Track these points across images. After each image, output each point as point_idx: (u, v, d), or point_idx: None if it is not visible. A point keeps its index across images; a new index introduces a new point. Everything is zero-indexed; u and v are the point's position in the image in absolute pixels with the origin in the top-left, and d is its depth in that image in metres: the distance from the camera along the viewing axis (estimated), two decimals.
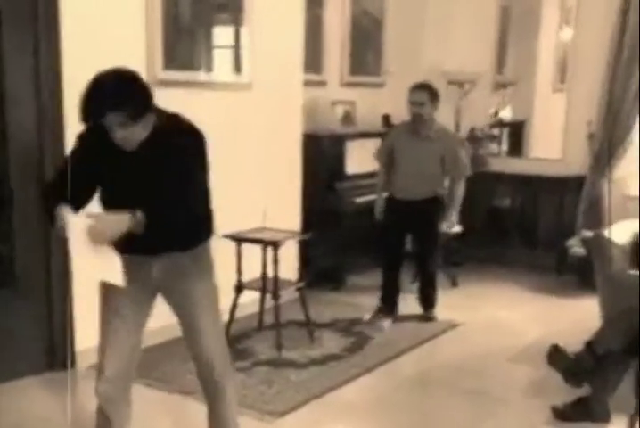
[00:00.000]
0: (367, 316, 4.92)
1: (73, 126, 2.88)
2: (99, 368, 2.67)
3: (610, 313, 3.89)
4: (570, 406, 3.50)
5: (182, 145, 2.47)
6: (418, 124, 4.69)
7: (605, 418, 3.42)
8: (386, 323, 4.81)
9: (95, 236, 2.33)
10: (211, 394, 2.83)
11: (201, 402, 3.04)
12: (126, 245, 2.41)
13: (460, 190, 4.86)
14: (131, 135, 2.42)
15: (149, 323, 2.79)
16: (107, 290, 2.60)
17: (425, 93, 4.65)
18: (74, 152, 2.57)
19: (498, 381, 4.03)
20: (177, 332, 2.87)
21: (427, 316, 5.00)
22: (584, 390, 3.48)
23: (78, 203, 2.49)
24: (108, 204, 2.54)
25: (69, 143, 2.92)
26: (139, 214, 2.33)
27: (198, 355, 2.76)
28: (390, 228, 4.90)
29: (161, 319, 2.92)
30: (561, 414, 3.51)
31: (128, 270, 2.44)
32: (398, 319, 4.93)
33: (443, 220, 4.89)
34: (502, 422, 3.54)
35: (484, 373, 4.15)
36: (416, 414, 3.63)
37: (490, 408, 3.68)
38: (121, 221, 2.33)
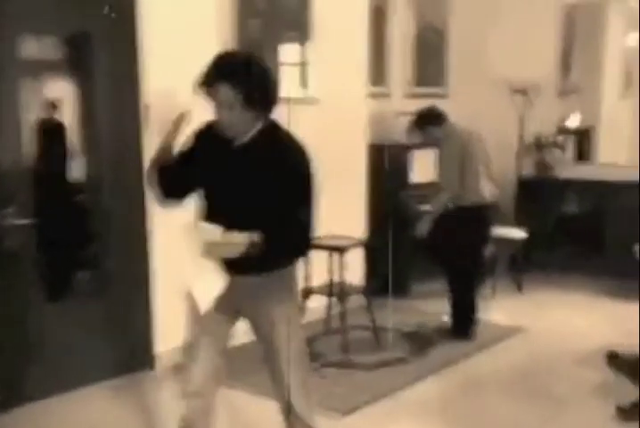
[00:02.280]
0: (446, 318, 4.96)
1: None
2: (185, 383, 2.70)
3: None
4: (635, 405, 3.55)
5: (294, 162, 2.47)
6: None
7: None
8: None
9: (211, 252, 2.36)
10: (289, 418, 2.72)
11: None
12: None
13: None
14: (237, 121, 2.39)
15: None
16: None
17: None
18: (185, 147, 2.58)
19: (564, 383, 4.10)
20: None
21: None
22: None
23: (178, 194, 2.58)
24: (209, 208, 2.53)
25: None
26: (257, 237, 2.31)
27: (275, 378, 2.67)
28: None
29: None
30: (625, 414, 3.56)
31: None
32: None
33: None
34: (567, 423, 3.60)
35: (549, 376, 4.22)
36: (480, 415, 3.73)
37: (555, 410, 3.75)
38: (242, 244, 2.31)
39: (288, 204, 2.41)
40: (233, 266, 2.44)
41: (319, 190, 2.65)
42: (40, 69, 4.03)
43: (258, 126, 2.45)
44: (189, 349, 2.68)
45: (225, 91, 2.33)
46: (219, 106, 2.37)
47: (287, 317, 2.58)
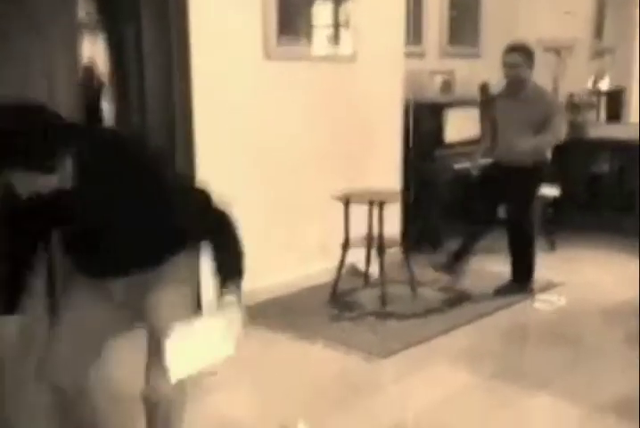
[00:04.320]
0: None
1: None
2: None
3: None
4: None
5: None
6: (513, 86, 4.74)
7: None
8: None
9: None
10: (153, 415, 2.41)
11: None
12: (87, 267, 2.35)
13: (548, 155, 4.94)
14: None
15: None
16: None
17: (518, 54, 4.64)
18: None
19: (593, 333, 4.25)
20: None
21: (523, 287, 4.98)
22: None
23: None
24: None
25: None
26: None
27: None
28: (483, 194, 5.00)
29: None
30: None
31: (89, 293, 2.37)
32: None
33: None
34: (596, 369, 3.75)
35: (579, 326, 4.37)
36: (511, 361, 3.89)
37: (585, 357, 3.90)
38: None
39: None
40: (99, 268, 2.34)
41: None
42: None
43: None
44: None
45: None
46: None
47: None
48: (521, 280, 4.96)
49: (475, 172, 5.06)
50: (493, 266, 5.31)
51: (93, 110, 4.58)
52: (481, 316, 4.51)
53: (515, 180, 4.77)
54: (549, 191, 5.99)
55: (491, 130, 4.99)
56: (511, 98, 4.80)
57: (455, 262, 5.17)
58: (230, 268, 2.21)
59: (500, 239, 5.02)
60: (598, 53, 6.97)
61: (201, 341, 1.97)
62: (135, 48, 4.19)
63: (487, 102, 5.29)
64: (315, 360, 3.84)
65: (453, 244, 5.87)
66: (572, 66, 6.60)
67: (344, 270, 4.77)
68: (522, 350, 4.07)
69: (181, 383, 2.15)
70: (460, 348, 4.06)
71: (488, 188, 4.96)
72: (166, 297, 2.31)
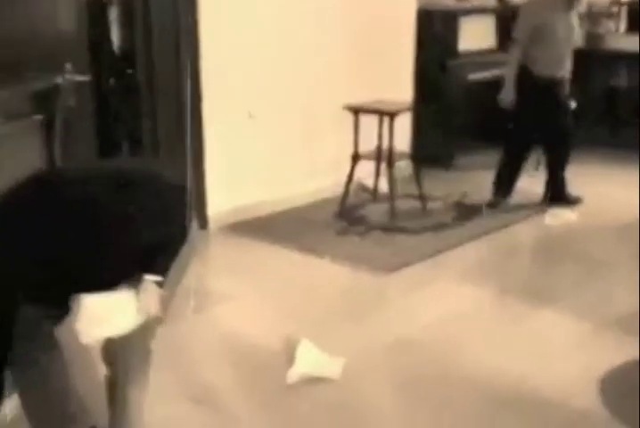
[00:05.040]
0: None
1: None
2: None
3: None
4: None
5: None
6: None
7: None
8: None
9: None
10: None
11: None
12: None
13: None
14: None
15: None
16: None
17: None
18: None
19: (604, 249, 4.19)
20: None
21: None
22: None
23: None
24: None
25: None
26: None
27: None
28: (527, 110, 4.70)
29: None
30: None
31: None
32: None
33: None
34: (608, 283, 3.72)
35: (589, 242, 4.31)
36: (521, 276, 3.86)
37: (597, 271, 3.86)
38: None
39: None
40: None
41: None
42: None
43: None
44: None
45: None
46: None
47: None
48: (558, 193, 4.94)
49: (510, 84, 4.66)
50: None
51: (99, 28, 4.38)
52: (492, 230, 4.44)
53: (560, 94, 4.70)
54: None
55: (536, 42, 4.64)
56: (568, 9, 4.63)
57: (511, 185, 4.93)
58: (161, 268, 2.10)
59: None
60: None
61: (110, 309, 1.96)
62: None
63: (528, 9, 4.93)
64: (323, 274, 3.80)
65: (465, 160, 5.79)
66: None
67: (352, 186, 4.68)
68: (532, 266, 4.03)
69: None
70: (469, 263, 4.03)
71: (529, 104, 4.67)
72: None
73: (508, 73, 4.68)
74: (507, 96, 4.63)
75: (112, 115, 4.29)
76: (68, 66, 3.34)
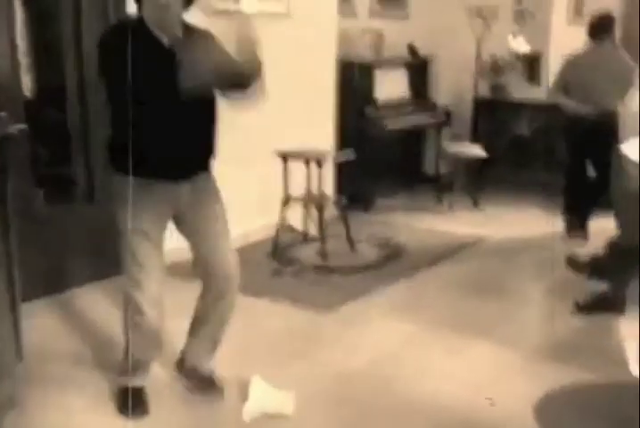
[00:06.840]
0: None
1: None
2: (140, 292, 2.82)
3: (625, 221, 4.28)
4: (590, 300, 3.93)
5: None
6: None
7: (621, 309, 3.85)
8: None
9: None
10: (223, 289, 2.95)
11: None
12: (155, 170, 2.66)
13: None
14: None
15: None
16: (134, 213, 2.64)
17: None
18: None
19: (523, 282, 4.46)
20: None
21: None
22: (601, 287, 3.93)
23: None
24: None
25: None
26: None
27: (215, 256, 2.90)
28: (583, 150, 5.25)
29: None
30: (581, 308, 3.93)
31: (157, 194, 2.70)
32: None
33: None
34: (525, 321, 3.93)
35: (510, 278, 4.55)
36: (449, 311, 4.04)
37: (515, 308, 4.08)
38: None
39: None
40: (170, 169, 2.68)
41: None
42: None
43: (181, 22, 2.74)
44: (137, 261, 2.78)
45: None
46: None
47: (223, 214, 2.92)
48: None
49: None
50: (415, 222, 5.61)
51: None
52: (420, 267, 4.65)
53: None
54: (475, 150, 6.16)
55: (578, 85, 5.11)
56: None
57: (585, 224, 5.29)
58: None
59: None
60: (522, 17, 7.09)
61: None
62: None
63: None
64: (263, 314, 3.88)
65: (385, 201, 6.03)
66: (497, 29, 6.71)
67: (282, 228, 4.81)
68: (461, 300, 4.22)
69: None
70: (403, 299, 4.18)
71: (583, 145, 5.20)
72: (219, 205, 2.90)
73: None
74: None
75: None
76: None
